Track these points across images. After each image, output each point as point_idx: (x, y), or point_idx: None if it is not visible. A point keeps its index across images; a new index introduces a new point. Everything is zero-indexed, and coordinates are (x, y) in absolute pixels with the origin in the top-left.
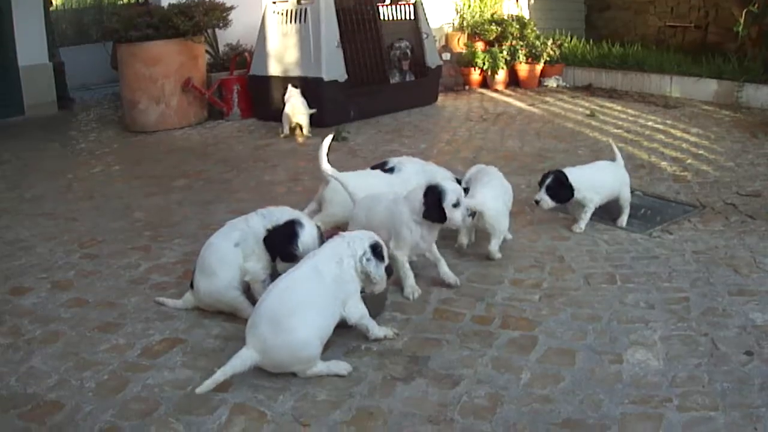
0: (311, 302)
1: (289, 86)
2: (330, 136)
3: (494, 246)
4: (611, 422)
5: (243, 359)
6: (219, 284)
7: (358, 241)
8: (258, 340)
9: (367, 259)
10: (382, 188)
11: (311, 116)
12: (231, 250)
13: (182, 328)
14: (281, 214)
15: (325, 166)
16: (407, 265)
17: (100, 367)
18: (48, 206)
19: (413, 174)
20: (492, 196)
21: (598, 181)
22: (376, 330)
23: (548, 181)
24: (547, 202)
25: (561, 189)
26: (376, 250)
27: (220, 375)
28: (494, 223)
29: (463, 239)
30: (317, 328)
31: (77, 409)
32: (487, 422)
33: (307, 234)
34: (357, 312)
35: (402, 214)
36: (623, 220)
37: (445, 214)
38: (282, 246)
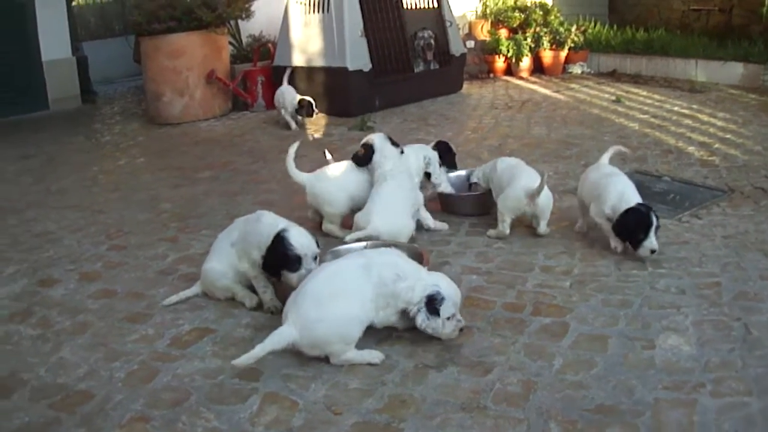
0: (355, 291)
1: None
2: (296, 144)
3: (543, 226)
4: (644, 408)
5: (282, 336)
6: (213, 275)
7: (419, 288)
8: (299, 316)
9: (418, 310)
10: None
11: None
12: (227, 249)
13: (212, 318)
14: (270, 224)
15: (292, 169)
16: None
17: (130, 357)
18: (74, 199)
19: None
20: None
21: None
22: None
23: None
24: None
25: None
26: (431, 304)
27: (259, 350)
28: (545, 208)
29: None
30: (360, 311)
31: (107, 398)
32: (520, 409)
33: (295, 234)
34: (404, 294)
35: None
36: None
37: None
38: (280, 259)
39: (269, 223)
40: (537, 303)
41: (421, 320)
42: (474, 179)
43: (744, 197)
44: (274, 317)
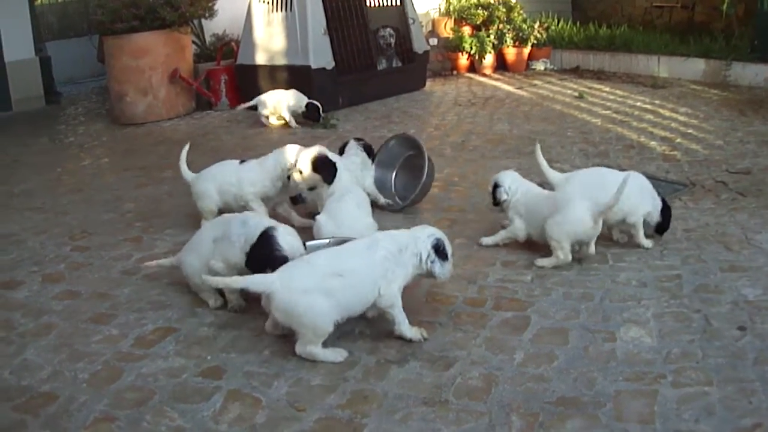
0: (361, 280)
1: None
2: (187, 146)
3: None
4: (606, 399)
5: (263, 281)
6: (188, 269)
7: (422, 240)
8: (292, 277)
9: (432, 261)
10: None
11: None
12: (208, 244)
13: (175, 318)
14: (255, 224)
15: (185, 171)
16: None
17: (94, 358)
18: (38, 200)
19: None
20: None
21: None
22: (405, 328)
23: None
24: None
25: None
26: (438, 249)
27: (233, 282)
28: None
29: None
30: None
31: (71, 399)
32: (482, 403)
33: (283, 233)
34: (391, 298)
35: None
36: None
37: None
38: (266, 258)
39: (255, 224)
40: (498, 297)
41: (439, 269)
42: (502, 194)
43: (705, 191)
44: (237, 316)
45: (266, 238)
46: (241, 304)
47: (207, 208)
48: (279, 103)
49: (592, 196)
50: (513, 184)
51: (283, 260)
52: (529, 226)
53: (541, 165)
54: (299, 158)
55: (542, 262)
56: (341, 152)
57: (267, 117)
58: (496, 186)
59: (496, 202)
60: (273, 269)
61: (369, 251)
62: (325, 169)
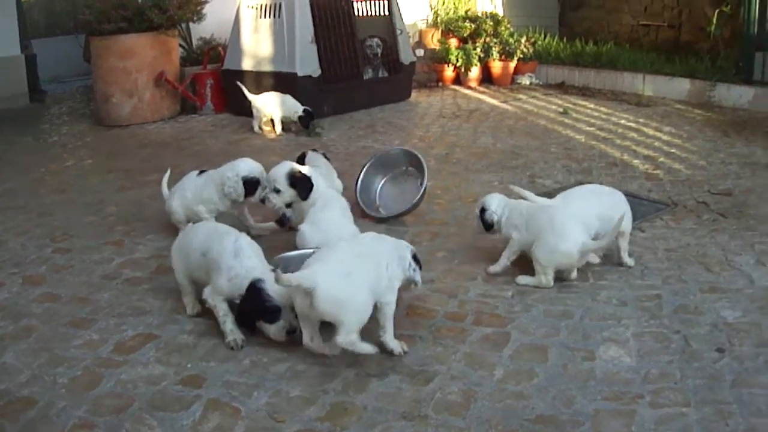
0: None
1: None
2: (168, 171)
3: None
4: (584, 418)
5: (306, 275)
6: (176, 269)
7: (404, 248)
8: (325, 265)
9: (413, 270)
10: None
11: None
12: (196, 255)
13: (155, 324)
14: (247, 269)
15: (165, 191)
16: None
17: (73, 363)
18: (20, 200)
19: None
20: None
21: None
22: (390, 337)
23: None
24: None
25: None
26: (416, 258)
27: (288, 280)
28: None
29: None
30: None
31: (50, 405)
32: (460, 418)
33: (270, 284)
34: (394, 291)
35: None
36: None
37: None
38: (258, 311)
39: (246, 267)
40: (479, 313)
41: (419, 276)
42: (492, 215)
43: (687, 211)
44: (218, 325)
45: (255, 292)
46: (238, 339)
47: (178, 223)
48: (272, 107)
49: (587, 221)
50: (500, 204)
51: (277, 310)
52: (528, 236)
53: (530, 197)
54: (273, 177)
55: (524, 280)
56: (302, 163)
57: (254, 117)
58: (483, 210)
59: (488, 226)
60: (268, 321)
61: (378, 239)
62: (301, 184)
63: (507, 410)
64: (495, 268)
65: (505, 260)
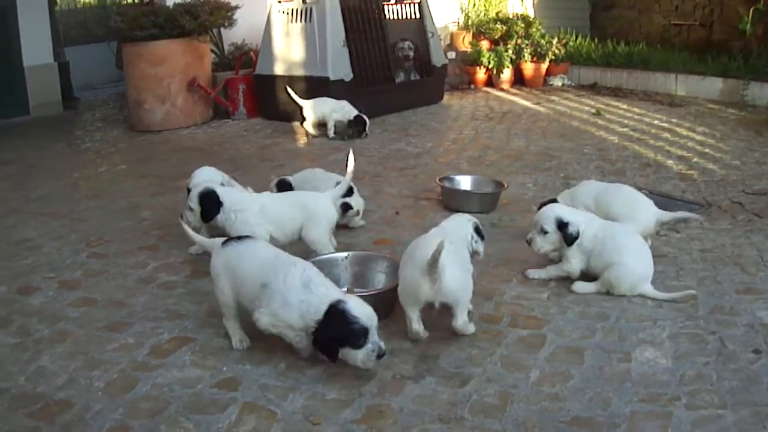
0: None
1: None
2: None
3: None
4: (620, 420)
5: (446, 260)
6: (221, 295)
7: (464, 224)
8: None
9: (476, 241)
10: None
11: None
12: (253, 286)
13: (191, 327)
14: (321, 295)
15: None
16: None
17: (109, 366)
18: (54, 206)
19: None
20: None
21: None
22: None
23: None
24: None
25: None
26: (479, 231)
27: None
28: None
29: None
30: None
31: (86, 408)
32: (497, 420)
33: (353, 304)
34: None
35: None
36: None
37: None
38: (342, 336)
39: (321, 294)
40: (514, 315)
41: (481, 247)
42: (577, 226)
43: (721, 211)
44: (252, 328)
45: (337, 315)
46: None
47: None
48: (326, 111)
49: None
50: (577, 217)
51: (364, 332)
52: (592, 261)
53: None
54: (191, 194)
55: (582, 288)
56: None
57: (309, 123)
58: (564, 224)
59: (573, 240)
60: (354, 346)
61: (453, 224)
62: (206, 203)
63: (543, 412)
64: (536, 274)
65: (546, 274)
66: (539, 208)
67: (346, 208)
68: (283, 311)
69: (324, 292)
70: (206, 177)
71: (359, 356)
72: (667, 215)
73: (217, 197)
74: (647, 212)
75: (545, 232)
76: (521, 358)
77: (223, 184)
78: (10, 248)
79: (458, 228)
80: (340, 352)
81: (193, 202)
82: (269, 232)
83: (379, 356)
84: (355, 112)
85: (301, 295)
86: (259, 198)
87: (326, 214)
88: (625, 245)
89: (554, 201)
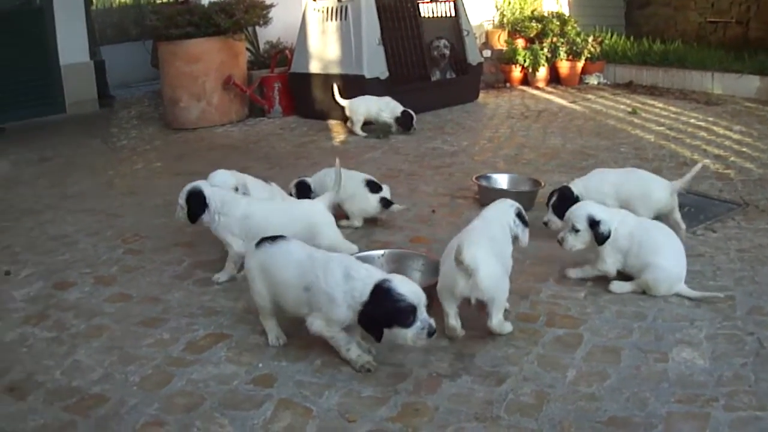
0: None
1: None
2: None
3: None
4: (657, 421)
5: (471, 255)
6: (259, 300)
7: (506, 210)
8: (479, 247)
9: (517, 226)
10: None
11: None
12: (296, 290)
13: (226, 324)
14: (364, 278)
15: None
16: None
17: (145, 362)
18: (90, 202)
19: None
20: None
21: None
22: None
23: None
24: (555, 222)
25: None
26: (521, 216)
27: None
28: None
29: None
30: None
31: (122, 402)
32: (533, 419)
33: (399, 282)
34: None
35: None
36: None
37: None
38: (390, 315)
39: (363, 277)
40: (551, 314)
41: (522, 234)
42: (608, 226)
43: (759, 211)
44: (288, 325)
45: (383, 293)
46: (370, 362)
47: None
48: (373, 110)
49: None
50: (611, 215)
51: (412, 309)
52: (629, 260)
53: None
54: (181, 192)
55: (620, 288)
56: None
57: (354, 122)
58: (595, 222)
59: (604, 239)
60: (402, 325)
61: (495, 213)
62: (192, 203)
63: (579, 412)
64: (575, 273)
65: (585, 274)
66: (550, 196)
67: (387, 204)
68: (331, 309)
69: (366, 274)
70: (220, 180)
71: (409, 335)
72: (680, 181)
73: (204, 198)
74: (660, 186)
75: (577, 231)
76: (558, 358)
77: (237, 189)
78: (47, 243)
79: (500, 216)
80: (389, 333)
81: (182, 200)
82: (243, 243)
83: (430, 334)
84: (401, 108)
85: (344, 286)
86: (248, 205)
87: (327, 221)
88: (662, 244)
89: (567, 188)
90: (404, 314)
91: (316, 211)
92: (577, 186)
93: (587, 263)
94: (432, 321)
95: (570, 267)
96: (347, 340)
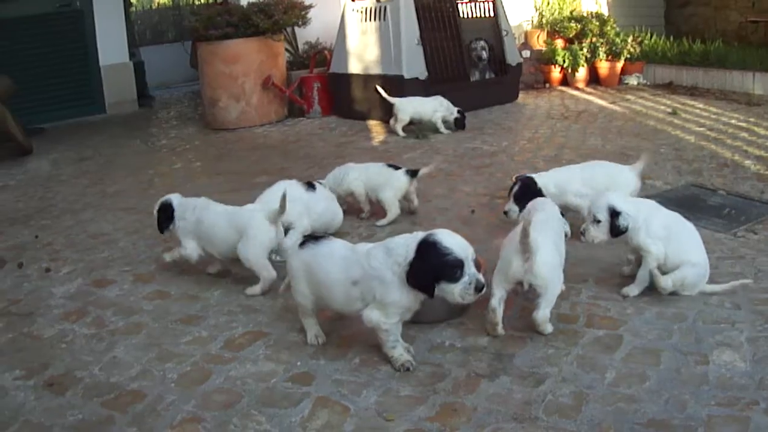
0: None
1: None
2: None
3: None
4: (697, 424)
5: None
6: (301, 299)
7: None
8: (546, 252)
9: (564, 222)
10: None
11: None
12: (346, 286)
13: (265, 322)
14: (403, 245)
15: None
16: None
17: (183, 359)
18: (130, 201)
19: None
20: None
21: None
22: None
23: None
24: (516, 211)
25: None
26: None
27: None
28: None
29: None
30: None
31: (159, 399)
32: (572, 421)
33: (443, 236)
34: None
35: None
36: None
37: (433, 288)
38: (436, 269)
39: (402, 244)
40: (591, 315)
41: (567, 227)
42: (627, 220)
43: None
44: (327, 323)
45: (429, 247)
46: (410, 361)
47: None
48: (430, 111)
49: None
50: (631, 206)
51: (459, 264)
52: (669, 250)
53: None
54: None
55: (634, 290)
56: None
57: (398, 121)
58: (616, 213)
59: (620, 233)
60: (449, 280)
61: (551, 208)
62: (161, 216)
63: (618, 413)
64: (632, 290)
65: (641, 283)
66: (512, 186)
67: (413, 173)
68: (385, 293)
69: (407, 236)
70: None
71: (456, 290)
72: (639, 163)
73: (172, 211)
74: (626, 171)
75: (598, 221)
76: (597, 359)
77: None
78: (86, 241)
79: (557, 212)
80: (437, 289)
81: (154, 211)
82: (198, 248)
83: (477, 289)
84: (455, 108)
85: (389, 260)
86: (204, 211)
87: (259, 232)
88: (691, 240)
89: (530, 178)
90: (451, 268)
91: (252, 218)
92: (542, 178)
93: (633, 276)
94: (480, 276)
95: (625, 287)
96: (396, 336)
